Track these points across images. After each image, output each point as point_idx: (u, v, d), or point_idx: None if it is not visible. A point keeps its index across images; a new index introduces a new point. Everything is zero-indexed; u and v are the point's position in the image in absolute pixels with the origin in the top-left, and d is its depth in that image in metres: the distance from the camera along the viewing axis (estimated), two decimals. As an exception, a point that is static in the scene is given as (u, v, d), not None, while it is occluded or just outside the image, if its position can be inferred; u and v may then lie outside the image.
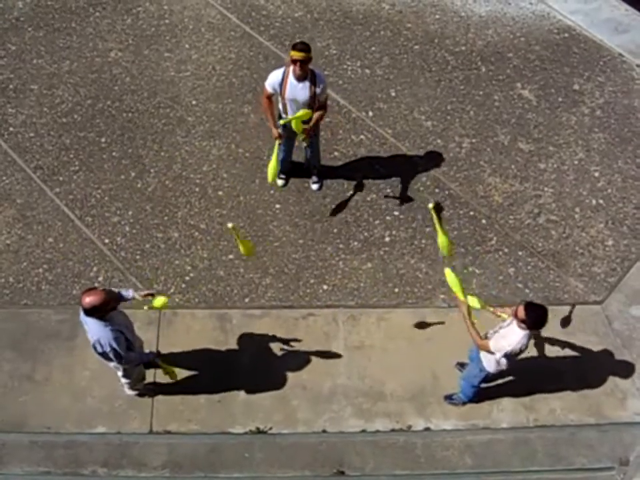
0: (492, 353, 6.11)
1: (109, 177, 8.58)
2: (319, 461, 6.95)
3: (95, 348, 5.99)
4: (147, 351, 6.70)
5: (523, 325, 5.86)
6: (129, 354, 6.13)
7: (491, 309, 6.66)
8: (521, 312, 5.80)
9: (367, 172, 8.73)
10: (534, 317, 5.79)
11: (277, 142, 7.57)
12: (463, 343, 6.79)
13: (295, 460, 6.95)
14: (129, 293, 6.30)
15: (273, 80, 7.29)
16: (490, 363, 6.32)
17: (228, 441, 7.02)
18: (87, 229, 8.20)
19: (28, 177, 8.54)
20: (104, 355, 6.05)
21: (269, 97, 7.45)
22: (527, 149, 9.00)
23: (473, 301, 6.48)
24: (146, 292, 6.47)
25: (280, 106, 7.56)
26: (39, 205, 8.34)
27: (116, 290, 6.22)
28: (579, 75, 9.72)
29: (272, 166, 7.47)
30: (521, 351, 6.05)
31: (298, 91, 7.21)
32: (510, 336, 5.97)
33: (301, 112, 7.26)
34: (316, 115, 7.50)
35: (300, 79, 7.14)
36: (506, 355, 6.05)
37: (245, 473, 6.87)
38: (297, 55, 6.95)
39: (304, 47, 6.97)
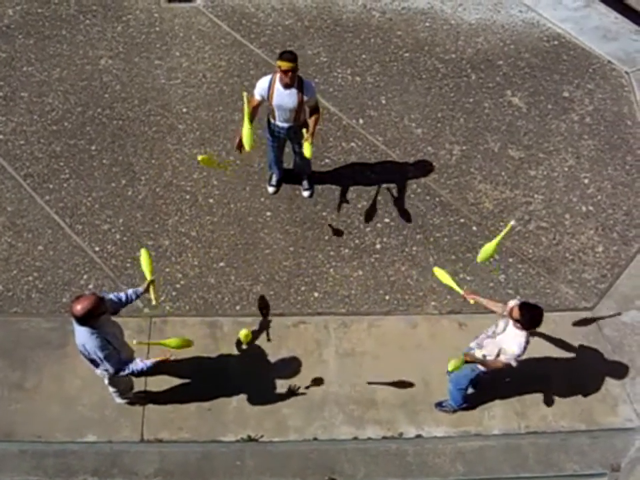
0: (507, 363, 6.14)
1: (99, 184, 8.56)
2: (310, 469, 6.94)
3: (81, 351, 5.96)
4: (137, 361, 6.23)
5: (518, 325, 5.88)
6: (120, 366, 6.04)
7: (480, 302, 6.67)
8: (516, 312, 5.83)
9: (357, 179, 8.73)
10: (529, 318, 5.83)
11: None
12: (454, 349, 6.79)
13: (286, 468, 6.94)
14: (125, 294, 6.28)
15: (260, 87, 7.31)
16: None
17: (219, 449, 7.00)
18: (77, 236, 8.18)
19: (18, 185, 8.51)
20: (91, 360, 6.02)
21: (257, 105, 7.44)
22: (517, 156, 9.03)
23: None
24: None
25: (268, 111, 7.58)
26: (29, 212, 8.32)
27: (111, 295, 6.20)
28: (569, 82, 9.76)
29: (247, 133, 7.16)
30: (526, 349, 6.10)
31: (284, 97, 7.23)
32: (513, 340, 6.00)
33: None
34: (312, 121, 7.51)
35: (287, 87, 7.16)
36: (518, 356, 6.07)
37: (236, 481, 6.87)
38: (283, 64, 6.95)
39: (291, 57, 6.96)
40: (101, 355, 5.83)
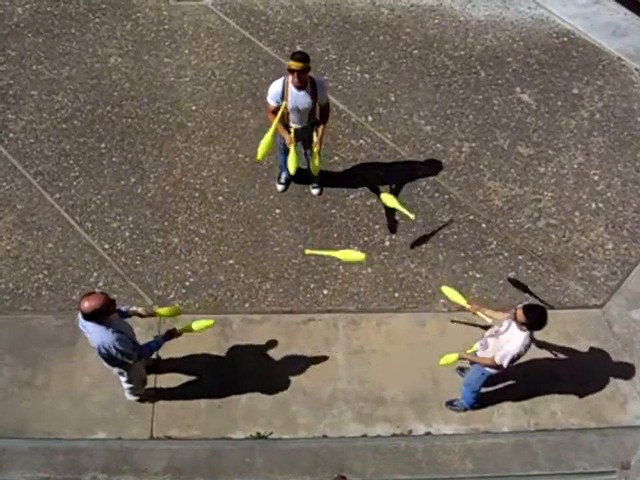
0: (499, 366, 6.15)
1: (108, 182, 8.58)
2: (319, 466, 6.94)
3: (100, 352, 5.97)
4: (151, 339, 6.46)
5: (523, 327, 5.88)
6: (139, 349, 6.12)
7: (484, 313, 6.74)
8: (520, 315, 5.82)
9: (366, 176, 8.73)
10: (534, 318, 5.82)
11: (292, 146, 7.43)
12: (463, 347, 6.78)
13: (296, 465, 6.94)
14: (128, 307, 6.44)
15: (274, 92, 7.24)
16: None
17: (228, 446, 7.01)
18: (87, 234, 8.20)
19: (28, 183, 8.54)
20: (111, 359, 6.04)
21: (274, 112, 7.35)
22: (527, 152, 9.01)
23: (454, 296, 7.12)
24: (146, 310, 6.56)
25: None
26: (39, 210, 8.34)
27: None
28: (578, 78, 9.73)
29: (265, 144, 7.39)
30: (525, 352, 6.07)
31: (300, 99, 7.20)
32: (513, 340, 5.99)
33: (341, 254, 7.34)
34: (321, 128, 7.54)
35: (300, 88, 7.13)
36: (512, 360, 6.07)
37: (246, 478, 6.86)
38: (295, 65, 6.92)
39: (302, 57, 6.93)
40: (121, 347, 5.86)
